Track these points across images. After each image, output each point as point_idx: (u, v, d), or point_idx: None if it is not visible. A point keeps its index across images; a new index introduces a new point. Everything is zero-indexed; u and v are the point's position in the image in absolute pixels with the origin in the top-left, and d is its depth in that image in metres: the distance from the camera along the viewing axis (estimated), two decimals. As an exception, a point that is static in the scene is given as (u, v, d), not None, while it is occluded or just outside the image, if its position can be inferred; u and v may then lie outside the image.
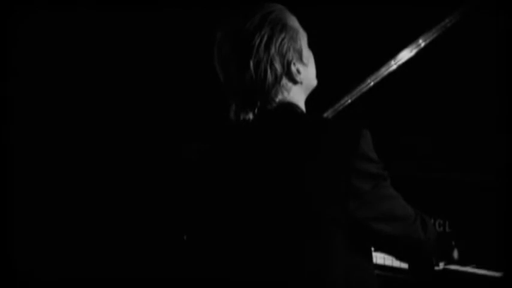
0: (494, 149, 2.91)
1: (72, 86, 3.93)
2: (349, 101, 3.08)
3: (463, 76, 3.25)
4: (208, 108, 3.80)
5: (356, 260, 1.97)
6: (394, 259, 2.68)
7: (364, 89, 3.07)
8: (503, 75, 3.05)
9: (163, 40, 4.02)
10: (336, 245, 1.92)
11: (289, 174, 1.92)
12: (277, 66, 1.99)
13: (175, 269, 3.79)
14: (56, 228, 3.88)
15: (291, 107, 2.03)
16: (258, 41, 1.98)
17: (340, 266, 1.94)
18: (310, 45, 2.11)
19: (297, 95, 2.05)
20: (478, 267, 2.61)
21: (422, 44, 3.02)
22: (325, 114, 3.04)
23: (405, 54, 3.05)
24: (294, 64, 2.02)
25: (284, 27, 2.01)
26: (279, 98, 2.02)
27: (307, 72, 2.08)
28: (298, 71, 2.04)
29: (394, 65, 3.05)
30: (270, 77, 1.99)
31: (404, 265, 2.65)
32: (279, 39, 2.00)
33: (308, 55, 2.08)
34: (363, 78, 3.07)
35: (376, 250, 2.67)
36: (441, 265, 2.59)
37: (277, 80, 2.00)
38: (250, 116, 2.01)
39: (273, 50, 1.99)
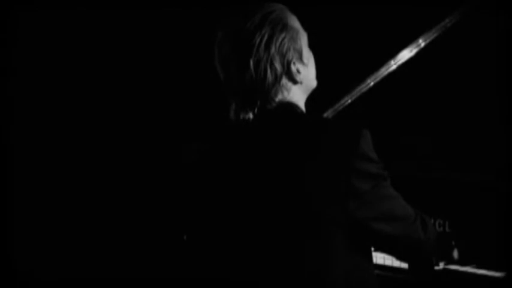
0: (494, 149, 2.91)
1: (72, 86, 3.93)
2: (349, 101, 3.08)
3: (463, 76, 3.25)
4: (208, 108, 3.80)
5: (356, 260, 1.97)
6: (394, 259, 2.67)
7: (364, 89, 3.07)
8: (503, 75, 3.05)
9: (163, 40, 4.02)
10: (336, 245, 1.92)
11: (289, 174, 1.92)
12: (277, 65, 1.99)
13: (175, 269, 3.79)
14: (56, 228, 3.88)
15: (291, 106, 2.03)
16: (258, 40, 1.98)
17: (340, 266, 1.94)
18: (310, 45, 2.11)
19: (297, 95, 2.06)
20: (478, 267, 2.61)
21: (422, 44, 3.02)
22: (325, 114, 3.04)
23: (405, 54, 3.05)
24: (294, 64, 2.02)
25: (284, 27, 2.02)
26: (279, 97, 2.02)
27: (307, 72, 2.08)
28: (298, 71, 2.04)
29: (394, 65, 3.05)
30: (269, 76, 1.99)
31: (404, 265, 2.64)
32: (279, 39, 2.00)
33: (308, 55, 2.09)
34: (363, 78, 3.07)
35: (376, 250, 2.67)
36: (441, 265, 2.59)
37: (277, 80, 2.00)
38: (250, 115, 2.01)
39: (273, 50, 1.99)
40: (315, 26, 2.22)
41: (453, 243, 2.37)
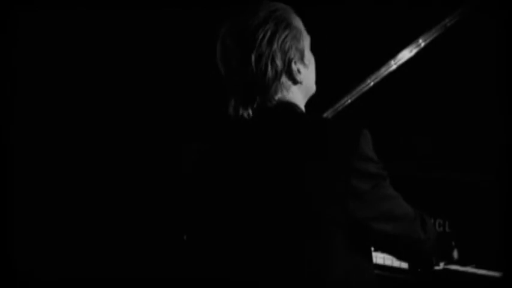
0: (494, 149, 2.91)
1: (72, 86, 3.93)
2: (349, 101, 3.08)
3: (463, 76, 3.25)
4: (208, 108, 3.80)
5: (356, 260, 1.97)
6: (394, 259, 2.67)
7: (364, 89, 3.07)
8: (503, 75, 3.05)
9: (163, 40, 4.02)
10: (336, 245, 1.93)
11: (289, 174, 1.92)
12: (278, 62, 1.99)
13: (175, 269, 3.79)
14: (56, 228, 3.88)
15: (291, 106, 2.03)
16: (261, 36, 1.98)
17: (340, 266, 1.94)
18: (311, 45, 2.11)
19: (297, 95, 2.05)
20: (478, 267, 2.61)
21: (422, 44, 3.02)
22: (325, 114, 3.04)
23: (405, 54, 3.05)
24: (295, 63, 2.03)
25: (288, 25, 2.02)
26: (279, 96, 2.02)
27: (308, 74, 2.08)
28: (299, 71, 2.04)
29: (394, 65, 3.05)
30: (270, 72, 1.99)
31: (404, 265, 2.64)
32: (282, 36, 2.00)
33: (310, 58, 2.09)
34: (363, 78, 3.07)
35: (376, 250, 2.67)
36: (441, 265, 2.59)
37: (277, 77, 2.00)
38: (250, 111, 2.01)
39: (275, 46, 1.99)
40: (315, 26, 2.22)
41: (453, 243, 2.37)
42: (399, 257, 2.33)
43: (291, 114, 2.02)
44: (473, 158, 2.96)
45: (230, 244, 1.98)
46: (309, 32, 2.10)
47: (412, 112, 3.36)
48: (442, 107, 3.28)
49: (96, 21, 3.90)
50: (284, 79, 2.02)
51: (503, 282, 2.52)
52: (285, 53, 2.00)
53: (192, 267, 2.07)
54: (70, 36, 3.89)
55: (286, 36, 2.01)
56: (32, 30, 3.82)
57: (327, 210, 1.90)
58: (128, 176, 3.99)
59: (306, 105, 2.11)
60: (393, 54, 3.06)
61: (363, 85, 3.07)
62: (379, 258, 2.71)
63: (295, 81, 2.04)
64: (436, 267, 2.58)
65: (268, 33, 1.99)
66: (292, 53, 2.02)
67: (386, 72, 3.06)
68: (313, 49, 2.12)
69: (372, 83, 3.06)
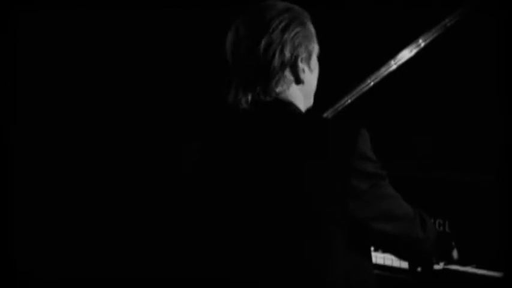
0: (494, 149, 2.91)
1: (72, 86, 3.93)
2: (349, 101, 3.08)
3: (463, 76, 3.25)
4: (207, 108, 3.80)
5: (356, 260, 1.97)
6: (394, 259, 2.68)
7: (364, 89, 3.07)
8: (503, 75, 3.05)
9: (163, 40, 4.01)
10: (336, 245, 1.93)
11: (289, 175, 1.92)
12: (287, 53, 2.00)
13: (176, 269, 3.79)
14: (56, 228, 3.88)
15: (291, 105, 2.03)
16: (275, 25, 1.99)
17: (340, 266, 1.94)
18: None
19: (296, 94, 2.05)
20: (478, 267, 2.61)
21: (422, 44, 3.02)
22: (325, 114, 3.04)
23: (405, 54, 3.05)
24: (302, 61, 2.03)
25: (303, 24, 2.04)
26: (279, 89, 2.01)
27: (311, 78, 2.08)
28: (303, 70, 2.04)
29: (394, 65, 3.05)
30: (276, 61, 1.99)
31: (404, 265, 2.65)
32: (295, 30, 2.01)
33: (315, 64, 2.10)
34: (363, 78, 3.07)
35: (376, 249, 2.68)
36: (441, 265, 2.59)
37: (281, 68, 2.00)
38: (249, 98, 2.00)
39: (286, 36, 2.00)
40: (315, 26, 2.22)
41: (453, 243, 2.37)
42: (399, 256, 2.34)
43: (291, 114, 2.02)
44: (473, 158, 2.96)
45: (230, 244, 1.98)
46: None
47: (412, 112, 3.36)
48: (442, 107, 3.28)
49: (96, 21, 3.90)
50: (287, 73, 2.02)
51: (503, 282, 2.52)
52: (294, 47, 2.01)
53: (192, 267, 2.07)
54: (70, 36, 3.89)
55: (298, 32, 2.02)
56: (32, 30, 3.82)
57: (327, 210, 1.90)
58: (128, 176, 3.99)
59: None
60: (393, 54, 3.06)
61: (363, 85, 3.07)
62: (379, 258, 2.72)
63: (297, 79, 2.04)
64: (436, 267, 2.58)
65: (283, 24, 2.00)
66: (301, 51, 2.02)
67: (386, 72, 3.06)
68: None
69: (372, 83, 3.06)
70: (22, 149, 3.83)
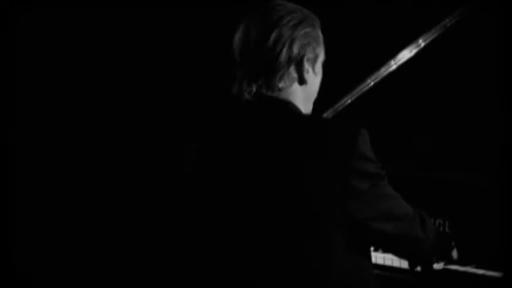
0: (494, 149, 2.91)
1: (72, 86, 3.93)
2: (349, 101, 3.08)
3: (463, 76, 3.25)
4: (207, 108, 3.80)
5: (356, 260, 1.97)
6: (394, 259, 2.68)
7: (364, 89, 3.07)
8: (503, 74, 3.05)
9: (163, 40, 4.02)
10: (336, 245, 1.93)
11: (289, 175, 1.92)
12: (294, 49, 2.01)
13: (175, 269, 3.79)
14: (56, 228, 3.88)
15: (291, 105, 2.03)
16: (286, 21, 2.01)
17: (340, 266, 1.94)
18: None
19: (297, 94, 2.05)
20: (478, 267, 2.61)
21: (422, 44, 3.02)
22: (325, 114, 3.04)
23: (405, 54, 3.05)
24: (307, 61, 2.03)
25: (313, 25, 2.06)
26: (282, 85, 2.02)
27: (313, 82, 2.08)
28: (308, 71, 2.04)
29: (394, 65, 3.05)
30: (284, 55, 2.00)
31: (404, 265, 2.65)
32: (305, 29, 2.03)
33: (319, 69, 2.10)
34: (363, 78, 3.07)
35: (376, 249, 2.68)
36: (441, 265, 2.59)
37: (287, 64, 2.01)
38: (253, 89, 2.01)
39: (296, 33, 2.01)
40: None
41: (453, 243, 2.37)
42: (399, 256, 2.34)
43: (291, 114, 2.02)
44: (473, 158, 2.97)
45: (230, 244, 1.98)
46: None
47: (412, 112, 3.36)
48: (442, 107, 3.28)
49: (96, 21, 3.90)
50: (292, 70, 2.03)
51: (503, 282, 2.52)
52: (302, 45, 2.02)
53: (192, 267, 2.07)
54: (70, 36, 3.89)
55: (308, 32, 2.03)
56: (32, 30, 3.81)
57: (327, 210, 1.91)
58: (128, 176, 3.99)
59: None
60: (393, 54, 3.06)
61: (363, 85, 3.07)
62: (379, 258, 2.72)
63: (301, 78, 2.04)
64: (436, 267, 2.58)
65: (294, 21, 2.01)
66: (309, 50, 2.03)
67: (386, 72, 3.06)
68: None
69: (372, 83, 3.06)
70: (22, 149, 3.83)
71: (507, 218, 2.63)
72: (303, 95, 2.07)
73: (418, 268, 2.51)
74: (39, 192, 3.86)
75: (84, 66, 3.93)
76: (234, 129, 2.04)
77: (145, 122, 4.04)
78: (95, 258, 3.92)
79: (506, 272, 2.53)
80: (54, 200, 3.88)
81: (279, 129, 1.98)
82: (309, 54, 2.04)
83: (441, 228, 2.76)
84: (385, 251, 2.71)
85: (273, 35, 2.00)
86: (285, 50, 2.00)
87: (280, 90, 2.02)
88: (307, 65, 2.04)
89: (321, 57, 2.09)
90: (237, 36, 2.06)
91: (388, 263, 2.71)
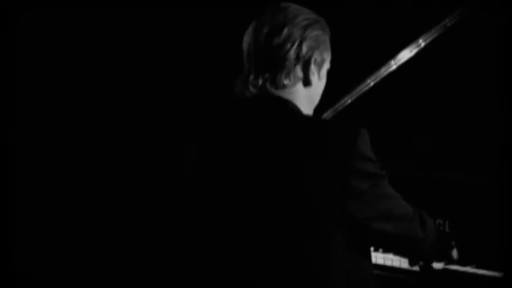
0: (494, 149, 2.91)
1: (72, 86, 3.93)
2: (349, 101, 3.08)
3: (463, 76, 3.25)
4: (207, 108, 3.80)
5: (356, 260, 1.97)
6: (394, 259, 2.68)
7: (364, 89, 3.07)
8: (503, 74, 3.05)
9: (163, 40, 4.02)
10: (336, 245, 1.93)
11: (289, 175, 1.92)
12: (304, 48, 2.02)
13: (176, 269, 3.79)
14: (56, 228, 3.88)
15: (292, 104, 2.03)
16: (299, 20, 2.03)
17: (340, 266, 1.94)
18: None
19: (301, 94, 2.06)
20: (478, 267, 2.61)
21: (422, 44, 3.02)
22: (325, 114, 3.04)
23: (405, 54, 3.05)
24: (314, 63, 2.04)
25: (323, 30, 2.08)
26: (286, 82, 2.03)
27: (317, 85, 2.09)
28: (313, 73, 2.05)
29: (394, 65, 3.05)
30: (292, 53, 2.02)
31: (404, 265, 2.65)
32: (316, 32, 2.05)
33: (324, 75, 2.11)
34: (363, 78, 3.07)
35: (376, 249, 2.68)
36: (441, 265, 2.59)
37: (295, 61, 2.02)
38: (259, 82, 2.01)
39: (307, 33, 2.03)
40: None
41: (453, 243, 2.37)
42: (399, 255, 2.34)
43: (292, 114, 2.02)
44: (473, 158, 2.96)
45: (230, 244, 1.99)
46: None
47: (412, 112, 3.36)
48: (442, 107, 3.28)
49: (96, 21, 3.90)
50: (298, 69, 2.03)
51: (503, 282, 2.52)
52: (311, 46, 2.03)
53: (192, 267, 2.07)
54: (70, 36, 3.88)
55: (319, 35, 2.06)
56: (32, 30, 3.81)
57: (327, 210, 1.91)
58: (128, 176, 3.99)
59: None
60: (393, 54, 3.06)
61: (363, 85, 3.07)
62: (379, 258, 2.72)
63: (306, 79, 2.05)
64: (436, 267, 2.58)
65: (306, 22, 2.04)
66: (317, 53, 2.05)
67: (386, 72, 3.06)
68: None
69: (372, 83, 3.06)
70: (22, 149, 3.83)
71: (507, 218, 2.63)
72: (305, 97, 2.07)
73: (417, 268, 2.52)
74: (39, 192, 3.86)
75: (84, 66, 3.93)
76: (234, 129, 2.04)
77: (145, 122, 4.04)
78: (95, 258, 3.92)
79: (507, 272, 2.53)
80: (54, 200, 3.88)
81: (280, 129, 1.98)
82: (317, 57, 2.05)
83: (441, 228, 2.76)
84: (385, 250, 2.71)
85: (284, 32, 2.01)
86: (294, 48, 2.02)
87: (284, 87, 2.03)
88: (313, 67, 2.05)
89: (327, 64, 2.11)
90: (249, 31, 2.08)
91: (388, 263, 2.71)
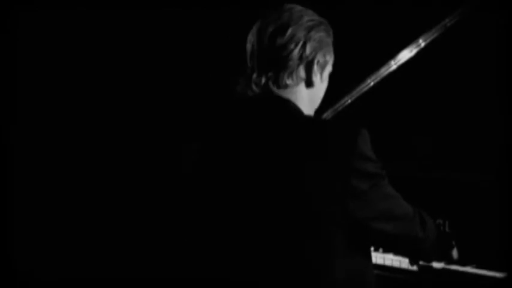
0: (494, 149, 2.91)
1: (72, 86, 3.93)
2: (349, 101, 3.08)
3: (463, 76, 3.25)
4: (207, 108, 3.80)
5: (356, 260, 1.97)
6: (394, 259, 2.68)
7: (364, 89, 3.07)
8: (503, 75, 3.05)
9: (163, 40, 4.02)
10: (336, 245, 1.93)
11: (289, 174, 1.92)
12: (307, 49, 2.03)
13: (176, 269, 3.79)
14: (56, 228, 3.88)
15: (292, 104, 2.04)
16: (304, 21, 2.05)
17: (340, 266, 1.94)
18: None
19: (303, 95, 2.06)
20: (478, 267, 2.61)
21: (422, 44, 3.02)
22: (325, 114, 3.04)
23: (405, 54, 3.05)
24: (317, 64, 2.04)
25: (327, 32, 2.09)
26: (289, 82, 2.03)
27: (319, 87, 2.09)
28: (315, 74, 2.05)
29: (394, 65, 3.06)
30: (296, 53, 2.03)
31: (404, 265, 2.65)
32: (321, 33, 2.06)
33: (326, 77, 2.12)
34: (363, 78, 3.07)
35: (376, 249, 2.68)
36: (441, 265, 2.59)
37: (298, 62, 2.03)
38: (262, 81, 2.01)
39: (312, 34, 2.04)
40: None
41: (453, 243, 2.37)
42: (400, 255, 2.34)
43: (292, 114, 2.03)
44: (473, 158, 2.97)
45: (230, 244, 1.99)
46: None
47: (412, 112, 3.36)
48: (442, 107, 3.28)
49: (96, 21, 3.90)
50: (301, 69, 2.04)
51: (503, 282, 2.52)
52: (315, 47, 2.05)
53: (192, 267, 2.07)
54: (70, 36, 3.89)
55: (323, 37, 2.07)
56: (32, 30, 3.81)
57: (327, 210, 1.91)
58: (128, 176, 3.99)
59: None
60: (393, 54, 3.06)
61: (363, 85, 3.07)
62: (379, 258, 2.72)
63: (308, 80, 2.05)
64: (436, 267, 2.58)
65: (311, 23, 2.05)
66: (320, 55, 2.06)
67: (386, 72, 3.06)
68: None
69: (372, 83, 3.06)
70: (22, 149, 3.83)
71: (507, 218, 2.63)
72: (307, 97, 2.07)
73: (415, 267, 2.52)
74: (39, 192, 3.86)
75: (84, 66, 3.93)
76: (234, 129, 2.04)
77: (145, 122, 4.04)
78: (95, 258, 3.92)
79: (507, 272, 2.53)
80: (54, 200, 3.88)
81: (280, 129, 1.98)
82: (320, 58, 2.06)
83: (441, 228, 2.76)
84: (385, 250, 2.71)
85: (289, 32, 2.02)
86: (297, 49, 2.02)
87: (286, 87, 2.04)
88: (316, 68, 2.05)
89: (329, 67, 2.12)
90: (253, 31, 2.08)
91: (388, 263, 2.71)
